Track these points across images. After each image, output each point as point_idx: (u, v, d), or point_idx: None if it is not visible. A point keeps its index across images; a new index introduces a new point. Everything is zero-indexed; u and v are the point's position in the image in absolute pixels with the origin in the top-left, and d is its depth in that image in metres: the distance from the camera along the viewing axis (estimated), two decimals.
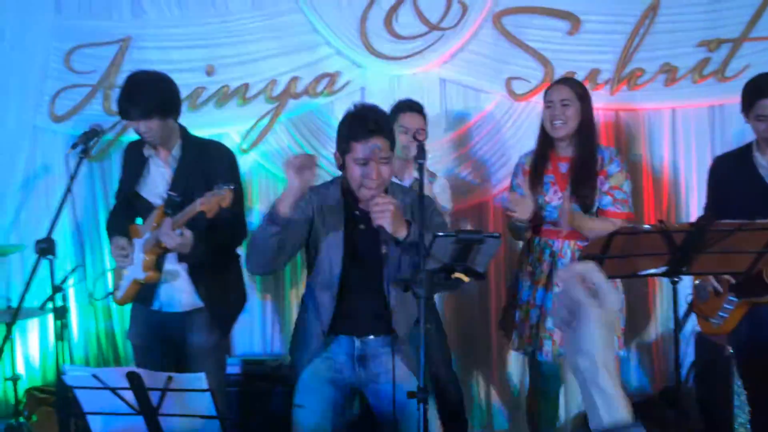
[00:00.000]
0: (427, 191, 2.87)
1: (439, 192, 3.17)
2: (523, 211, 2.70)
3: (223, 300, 2.72)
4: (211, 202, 2.34)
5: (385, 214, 2.17)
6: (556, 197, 2.85)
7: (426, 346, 3.07)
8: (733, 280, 2.69)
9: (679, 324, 2.90)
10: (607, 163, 2.86)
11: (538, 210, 2.87)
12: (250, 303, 3.83)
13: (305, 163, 2.15)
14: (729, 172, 2.83)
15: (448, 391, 3.22)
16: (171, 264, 2.67)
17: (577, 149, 2.87)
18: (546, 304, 2.86)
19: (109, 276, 2.88)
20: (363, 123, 2.28)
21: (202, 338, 2.68)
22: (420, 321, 2.04)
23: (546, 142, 2.92)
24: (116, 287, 2.73)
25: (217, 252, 2.64)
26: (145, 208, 2.69)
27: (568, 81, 2.99)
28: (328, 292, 2.38)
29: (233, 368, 3.54)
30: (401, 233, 2.20)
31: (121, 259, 2.66)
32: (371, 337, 2.41)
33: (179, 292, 2.68)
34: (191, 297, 2.68)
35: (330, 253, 2.36)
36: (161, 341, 2.73)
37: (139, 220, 2.78)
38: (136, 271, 2.64)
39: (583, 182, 2.82)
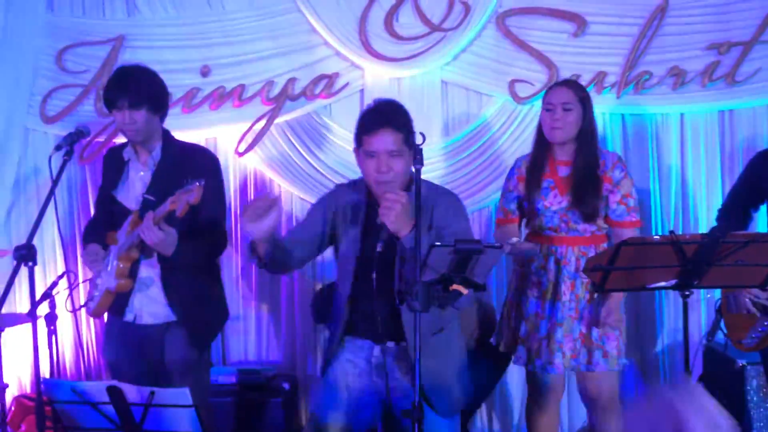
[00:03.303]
0: None
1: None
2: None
3: (198, 314, 2.59)
4: (180, 200, 2.25)
5: (389, 212, 2.09)
6: (556, 201, 2.74)
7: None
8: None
9: (708, 335, 2.81)
10: (610, 169, 2.75)
11: (538, 215, 2.77)
12: (245, 311, 3.76)
13: (263, 210, 2.07)
14: None
15: None
16: (145, 272, 2.56)
17: (579, 153, 2.75)
18: (555, 316, 2.74)
19: (85, 287, 2.75)
20: (372, 115, 2.26)
21: (180, 354, 2.56)
22: (415, 335, 1.93)
23: (543, 145, 2.80)
24: (90, 297, 2.62)
25: (195, 260, 2.53)
26: (121, 213, 2.59)
27: (570, 83, 2.88)
28: (344, 292, 2.32)
29: (229, 378, 3.46)
30: (402, 232, 2.11)
31: (93, 265, 2.56)
32: (391, 344, 2.30)
33: (152, 303, 2.57)
34: (165, 308, 2.56)
35: (348, 252, 2.32)
36: (137, 358, 2.60)
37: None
38: (109, 279, 2.53)
39: (587, 188, 2.71)
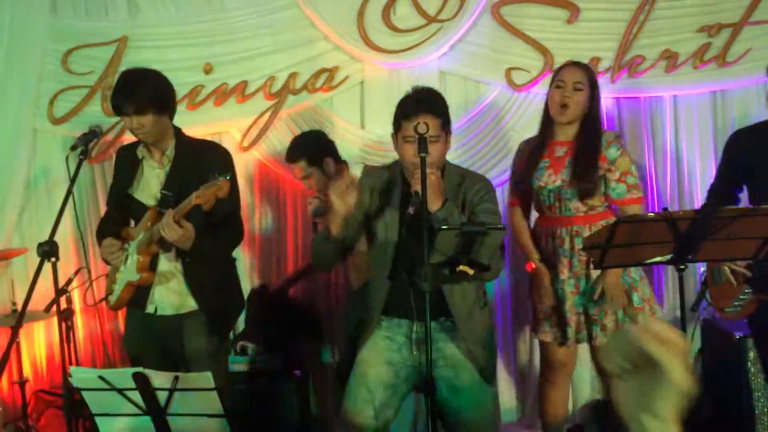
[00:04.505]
0: None
1: None
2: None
3: (219, 302, 2.67)
4: (206, 194, 2.32)
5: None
6: (550, 180, 2.83)
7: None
8: (749, 274, 2.66)
9: (694, 305, 2.91)
10: (605, 148, 2.80)
11: (535, 195, 2.87)
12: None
13: (349, 187, 2.21)
14: (751, 149, 2.77)
15: None
16: (165, 265, 2.64)
17: (581, 134, 2.83)
18: (557, 292, 2.87)
19: (101, 281, 2.83)
20: (411, 101, 2.36)
21: (200, 343, 2.63)
22: (426, 314, 2.02)
23: (548, 125, 2.89)
24: (109, 291, 2.69)
25: (215, 253, 2.62)
26: (138, 210, 2.65)
27: (582, 65, 2.93)
28: (383, 272, 2.41)
29: (242, 366, 3.54)
30: (434, 205, 2.22)
31: (112, 257, 2.61)
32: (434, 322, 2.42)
33: (174, 294, 2.64)
34: (186, 299, 2.64)
35: (386, 232, 2.40)
36: (157, 349, 2.67)
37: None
38: (130, 273, 2.60)
39: (584, 165, 2.78)
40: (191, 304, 2.63)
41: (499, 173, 3.70)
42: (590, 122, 2.83)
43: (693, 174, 3.67)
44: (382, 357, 2.42)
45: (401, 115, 2.35)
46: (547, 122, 2.89)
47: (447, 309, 2.39)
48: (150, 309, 2.66)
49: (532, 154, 2.89)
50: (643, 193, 2.90)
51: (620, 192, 2.81)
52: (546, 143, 2.87)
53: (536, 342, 3.70)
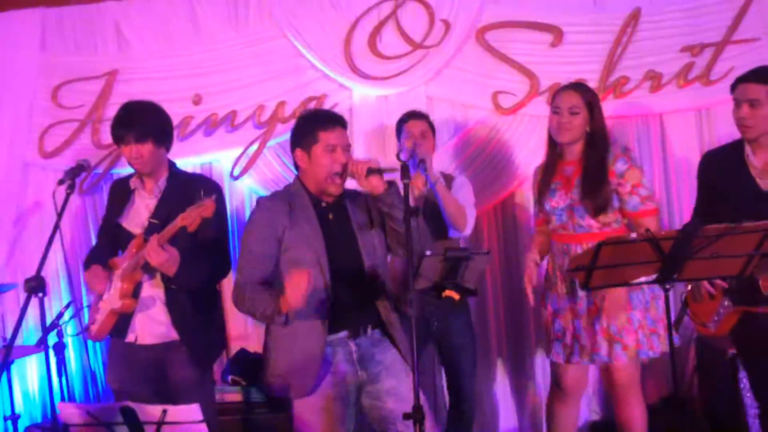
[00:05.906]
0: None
1: (458, 189, 3.18)
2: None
3: (200, 336, 2.64)
4: (192, 215, 2.33)
5: (370, 163, 2.33)
6: (562, 200, 2.83)
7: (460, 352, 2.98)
8: (726, 285, 2.67)
9: (675, 324, 2.90)
10: (612, 162, 2.78)
11: (550, 216, 2.87)
12: (249, 329, 3.83)
13: (307, 281, 2.18)
14: (719, 170, 2.80)
15: (464, 407, 3.18)
16: (148, 291, 2.62)
17: (588, 153, 2.82)
18: (575, 310, 2.82)
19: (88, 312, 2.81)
20: (326, 115, 2.50)
21: (185, 373, 2.61)
22: (412, 342, 2.02)
23: (554, 148, 2.90)
24: (92, 321, 2.67)
25: (198, 281, 2.61)
26: (126, 239, 2.66)
27: (578, 87, 2.89)
28: (321, 292, 2.36)
29: (235, 396, 3.52)
30: (381, 188, 2.33)
31: (97, 284, 2.60)
32: (363, 337, 2.43)
33: (155, 323, 2.62)
34: (167, 328, 2.61)
35: (313, 252, 2.37)
36: (141, 382, 2.63)
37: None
38: (113, 300, 2.60)
39: (593, 182, 2.76)
40: (172, 334, 2.62)
41: (487, 196, 3.70)
42: (594, 139, 2.81)
43: (681, 192, 3.69)
44: (330, 396, 2.38)
45: (317, 128, 2.40)
46: (554, 145, 2.89)
47: (374, 319, 2.42)
48: (130, 338, 2.64)
49: (543, 177, 2.92)
50: (656, 205, 2.86)
51: (635, 204, 2.77)
52: (556, 165, 2.88)
53: (535, 356, 3.71)
